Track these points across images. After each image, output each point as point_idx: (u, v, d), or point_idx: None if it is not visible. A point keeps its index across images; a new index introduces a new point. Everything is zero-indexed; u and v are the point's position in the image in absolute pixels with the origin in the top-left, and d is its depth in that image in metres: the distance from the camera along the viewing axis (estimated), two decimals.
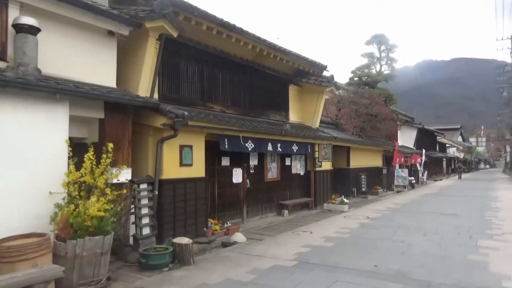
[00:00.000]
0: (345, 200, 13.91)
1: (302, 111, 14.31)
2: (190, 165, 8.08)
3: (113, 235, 5.35)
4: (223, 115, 9.62)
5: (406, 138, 27.97)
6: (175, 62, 9.35)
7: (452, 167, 48.90)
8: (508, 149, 47.82)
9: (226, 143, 9.01)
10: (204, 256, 6.94)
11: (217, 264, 6.28)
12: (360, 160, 18.12)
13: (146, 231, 6.46)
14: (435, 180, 32.21)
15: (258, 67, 12.13)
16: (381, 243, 7.76)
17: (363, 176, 17.91)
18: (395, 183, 21.53)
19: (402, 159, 23.14)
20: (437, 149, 40.92)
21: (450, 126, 64.01)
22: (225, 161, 9.88)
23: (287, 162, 12.60)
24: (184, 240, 6.28)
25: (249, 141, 9.80)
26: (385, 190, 20.47)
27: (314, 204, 13.32)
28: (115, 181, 6.64)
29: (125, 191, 5.91)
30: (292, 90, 13.89)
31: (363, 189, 17.81)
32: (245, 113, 11.46)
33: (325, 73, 14.61)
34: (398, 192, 20.71)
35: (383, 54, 24.60)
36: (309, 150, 12.88)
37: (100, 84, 6.91)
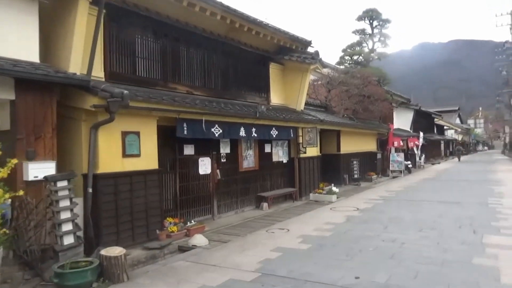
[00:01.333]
0: (334, 189, 12.61)
1: (285, 92, 12.91)
2: (137, 155, 6.72)
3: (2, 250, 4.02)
4: (182, 96, 8.23)
5: (402, 120, 26.61)
6: (129, 35, 7.94)
7: (451, 149, 47.77)
8: (507, 129, 46.54)
9: (185, 128, 7.63)
10: (147, 267, 5.64)
11: (156, 279, 4.97)
12: (352, 144, 16.79)
13: (68, 240, 5.13)
14: (433, 164, 30.99)
15: (233, 42, 10.70)
16: (368, 243, 6.47)
17: (355, 162, 16.59)
18: (391, 168, 20.22)
19: (399, 142, 21.85)
20: (435, 131, 39.64)
21: (448, 108, 62.78)
22: (189, 150, 8.51)
23: (267, 149, 11.24)
24: (116, 251, 4.97)
25: (216, 125, 8.43)
26: (379, 176, 19.20)
27: (299, 194, 12.01)
28: (31, 178, 5.34)
29: (18, 191, 4.55)
30: (273, 69, 12.46)
31: (356, 176, 16.52)
32: (218, 94, 10.09)
33: (310, 50, 13.19)
34: (393, 177, 19.44)
35: (375, 31, 23.04)
36: (292, 135, 11.52)
37: (15, 57, 5.52)
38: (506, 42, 34.48)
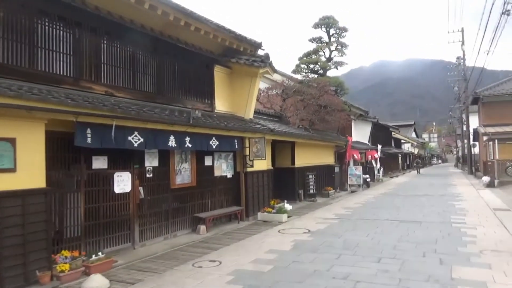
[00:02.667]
0: (286, 207, 11.34)
1: (233, 98, 11.55)
2: (11, 170, 5.01)
3: None
4: (95, 97, 6.63)
5: (360, 133, 26.04)
6: (26, 19, 6.28)
7: (408, 163, 48.49)
8: (459, 143, 47.90)
9: (89, 135, 6.00)
10: None
11: None
12: (308, 157, 15.65)
13: None
14: (391, 177, 30.69)
15: (169, 40, 9.28)
16: (315, 281, 5.09)
17: (311, 176, 15.39)
18: (349, 182, 19.29)
19: (357, 155, 21.08)
20: (393, 145, 39.87)
21: (405, 122, 64.79)
22: (100, 163, 6.84)
23: (207, 162, 9.74)
24: None
25: (135, 133, 6.86)
26: (337, 190, 18.16)
27: (246, 214, 10.55)
28: None
29: None
30: (218, 72, 11.10)
31: (312, 191, 15.28)
32: (149, 98, 8.61)
33: (260, 53, 11.99)
34: (352, 192, 18.49)
35: (332, 39, 22.31)
36: (237, 146, 10.11)
37: None
38: (458, 58, 35.37)
